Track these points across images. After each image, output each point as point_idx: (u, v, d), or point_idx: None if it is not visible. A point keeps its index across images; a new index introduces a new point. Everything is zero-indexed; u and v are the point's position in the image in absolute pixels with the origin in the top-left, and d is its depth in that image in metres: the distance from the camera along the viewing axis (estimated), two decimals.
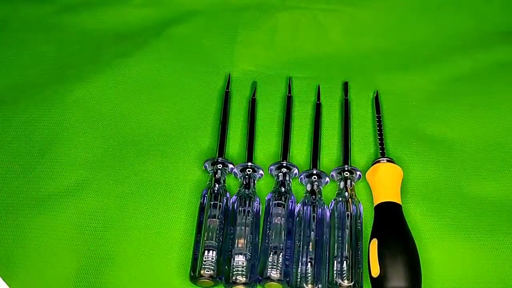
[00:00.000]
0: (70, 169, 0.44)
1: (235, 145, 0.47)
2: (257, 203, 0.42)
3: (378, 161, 0.43)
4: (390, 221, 0.39)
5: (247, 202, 0.41)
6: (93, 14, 0.54)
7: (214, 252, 0.39)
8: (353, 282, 0.37)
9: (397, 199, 0.40)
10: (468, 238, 0.40)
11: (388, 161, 0.43)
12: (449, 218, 0.41)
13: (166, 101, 0.49)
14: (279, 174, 0.44)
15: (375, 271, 0.36)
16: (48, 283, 0.39)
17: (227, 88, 0.50)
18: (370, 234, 0.39)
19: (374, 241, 0.37)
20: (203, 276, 0.38)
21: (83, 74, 0.50)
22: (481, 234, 0.40)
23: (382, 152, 0.44)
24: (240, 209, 0.41)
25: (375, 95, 0.49)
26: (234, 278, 0.38)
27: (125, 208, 0.42)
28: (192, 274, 0.38)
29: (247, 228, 0.40)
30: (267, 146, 0.46)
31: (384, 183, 0.41)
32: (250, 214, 0.40)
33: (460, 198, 0.42)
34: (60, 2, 0.55)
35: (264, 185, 0.44)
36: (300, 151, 0.46)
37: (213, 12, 0.55)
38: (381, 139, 0.45)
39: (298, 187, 0.44)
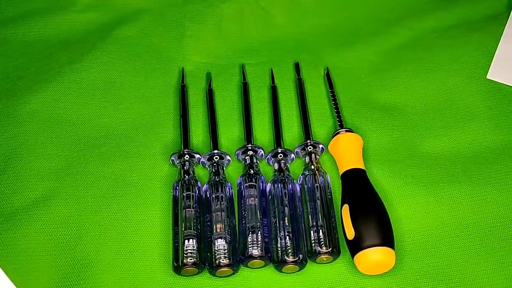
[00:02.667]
0: (35, 181, 0.44)
1: (198, 136, 0.48)
2: (229, 188, 0.43)
3: (338, 133, 0.45)
4: (358, 186, 0.41)
5: (219, 189, 0.42)
6: (35, 24, 0.53)
7: (194, 240, 0.39)
8: (331, 248, 0.39)
9: (360, 165, 0.42)
10: (429, 192, 0.42)
11: (347, 131, 0.45)
12: (410, 176, 0.44)
13: (123, 102, 0.49)
14: (246, 157, 0.45)
15: (350, 234, 0.38)
16: None
17: (182, 82, 0.50)
18: (340, 201, 0.41)
19: (346, 207, 0.39)
20: (187, 265, 0.38)
21: (33, 85, 0.49)
22: (441, 187, 0.43)
23: (340, 124, 0.46)
24: (213, 196, 0.42)
25: (326, 72, 0.51)
26: (217, 261, 0.39)
27: (98, 212, 0.42)
28: (175, 264, 0.39)
29: (223, 213, 0.41)
30: (230, 133, 0.48)
31: (346, 152, 0.43)
32: (224, 199, 0.41)
33: (417, 157, 0.45)
34: None
35: (232, 171, 0.45)
36: (262, 133, 0.48)
37: (157, 9, 0.55)
38: (337, 112, 0.47)
39: (266, 168, 0.45)
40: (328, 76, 0.50)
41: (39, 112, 0.47)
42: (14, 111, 0.47)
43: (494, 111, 0.47)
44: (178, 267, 0.39)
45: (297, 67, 0.51)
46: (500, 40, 0.50)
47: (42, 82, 0.49)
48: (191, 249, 0.39)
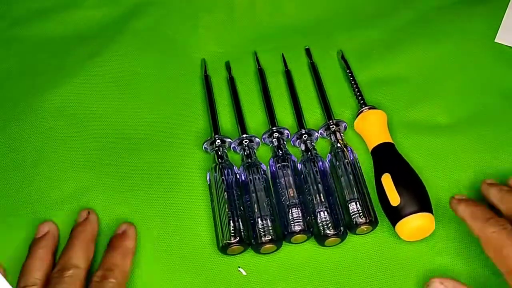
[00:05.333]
0: (69, 174, 0.44)
1: (224, 123, 0.49)
2: (263, 169, 0.44)
3: (362, 111, 0.47)
4: (393, 157, 0.43)
5: (255, 170, 0.44)
6: (48, 22, 0.54)
7: (236, 220, 0.41)
8: (370, 218, 0.41)
9: (389, 139, 0.44)
10: (452, 159, 0.45)
11: (370, 108, 0.47)
12: (431, 146, 0.46)
13: (146, 94, 0.50)
14: (273, 140, 0.46)
15: (395, 201, 0.40)
16: None
17: (205, 72, 0.52)
18: (374, 173, 0.43)
19: (387, 175, 0.41)
20: (232, 243, 0.40)
21: (55, 81, 0.49)
22: (460, 154, 0.45)
23: (363, 102, 0.48)
24: (250, 177, 0.43)
25: (340, 54, 0.52)
26: (261, 239, 0.40)
27: (136, 200, 0.43)
28: (221, 244, 0.40)
29: (261, 192, 0.42)
30: (254, 118, 0.49)
31: (375, 127, 0.45)
32: (260, 180, 0.43)
33: (436, 125, 0.47)
34: (10, 16, 0.54)
35: (262, 153, 0.47)
36: (284, 117, 0.49)
37: (170, 0, 0.55)
38: (359, 91, 0.49)
39: (292, 150, 0.46)
40: (343, 58, 0.52)
41: (65, 107, 0.48)
42: (39, 107, 0.47)
43: (502, 76, 0.49)
44: (224, 247, 0.40)
45: (308, 52, 0.53)
46: (509, 5, 0.52)
47: (65, 77, 0.49)
48: (234, 229, 0.40)
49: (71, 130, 0.46)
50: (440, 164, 0.45)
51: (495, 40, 0.51)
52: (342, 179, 0.43)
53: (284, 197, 0.42)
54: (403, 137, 0.46)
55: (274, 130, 0.47)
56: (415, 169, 0.43)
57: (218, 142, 0.46)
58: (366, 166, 0.45)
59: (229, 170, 0.43)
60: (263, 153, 0.47)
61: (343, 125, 0.47)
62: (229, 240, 0.40)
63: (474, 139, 0.46)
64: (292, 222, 0.41)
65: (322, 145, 0.47)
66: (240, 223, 0.41)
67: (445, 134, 0.46)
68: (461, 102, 0.48)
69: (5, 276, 0.37)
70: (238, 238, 0.40)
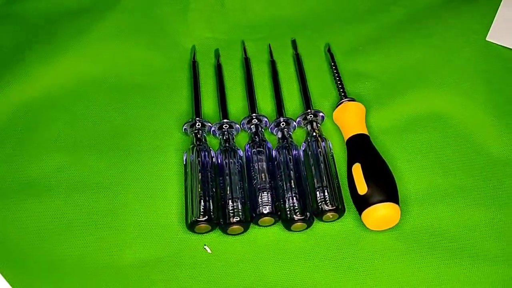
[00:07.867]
0: (51, 151, 0.45)
1: (207, 109, 0.49)
2: (239, 154, 0.45)
3: (342, 102, 0.47)
4: (366, 148, 0.44)
5: (231, 154, 0.44)
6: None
7: (207, 200, 0.41)
8: (336, 205, 0.41)
9: (365, 131, 0.45)
10: (424, 156, 0.45)
11: (350, 100, 0.47)
12: (407, 140, 0.46)
13: (131, 75, 0.51)
14: (251, 126, 0.47)
15: (363, 189, 0.40)
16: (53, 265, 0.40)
17: (194, 58, 0.52)
18: (346, 162, 0.44)
19: (357, 165, 0.42)
20: (200, 221, 0.40)
21: (44, 55, 0.50)
22: (434, 151, 0.46)
23: (344, 94, 0.48)
24: (226, 161, 0.44)
25: (327, 48, 0.53)
26: (230, 219, 0.41)
27: (114, 177, 0.44)
28: (189, 221, 0.41)
29: (235, 176, 0.43)
30: (236, 105, 0.50)
31: (352, 118, 0.46)
32: (235, 164, 0.44)
33: (415, 120, 0.47)
34: None
35: (240, 141, 0.47)
36: (265, 106, 0.50)
37: None
38: (341, 83, 0.49)
39: (269, 138, 0.47)
40: (329, 51, 0.53)
41: (49, 86, 0.49)
42: (24, 85, 0.48)
43: (489, 73, 0.50)
44: (193, 223, 0.41)
45: (293, 43, 0.54)
46: (501, 3, 0.53)
47: (52, 53, 0.50)
48: (204, 208, 0.41)
49: (54, 110, 0.48)
50: (416, 159, 0.45)
51: (487, 38, 0.51)
52: (313, 167, 0.44)
53: (255, 181, 0.43)
54: (381, 131, 0.47)
55: (254, 117, 0.47)
56: (391, 162, 0.43)
57: (198, 125, 0.46)
58: (341, 157, 0.45)
59: (206, 153, 0.44)
60: (242, 140, 0.47)
61: (320, 115, 0.48)
62: (197, 218, 0.41)
63: (446, 138, 0.46)
64: (261, 204, 0.41)
65: (299, 134, 0.48)
66: (211, 204, 0.41)
67: (419, 130, 0.47)
68: (444, 100, 0.49)
69: None
70: (207, 217, 0.41)
